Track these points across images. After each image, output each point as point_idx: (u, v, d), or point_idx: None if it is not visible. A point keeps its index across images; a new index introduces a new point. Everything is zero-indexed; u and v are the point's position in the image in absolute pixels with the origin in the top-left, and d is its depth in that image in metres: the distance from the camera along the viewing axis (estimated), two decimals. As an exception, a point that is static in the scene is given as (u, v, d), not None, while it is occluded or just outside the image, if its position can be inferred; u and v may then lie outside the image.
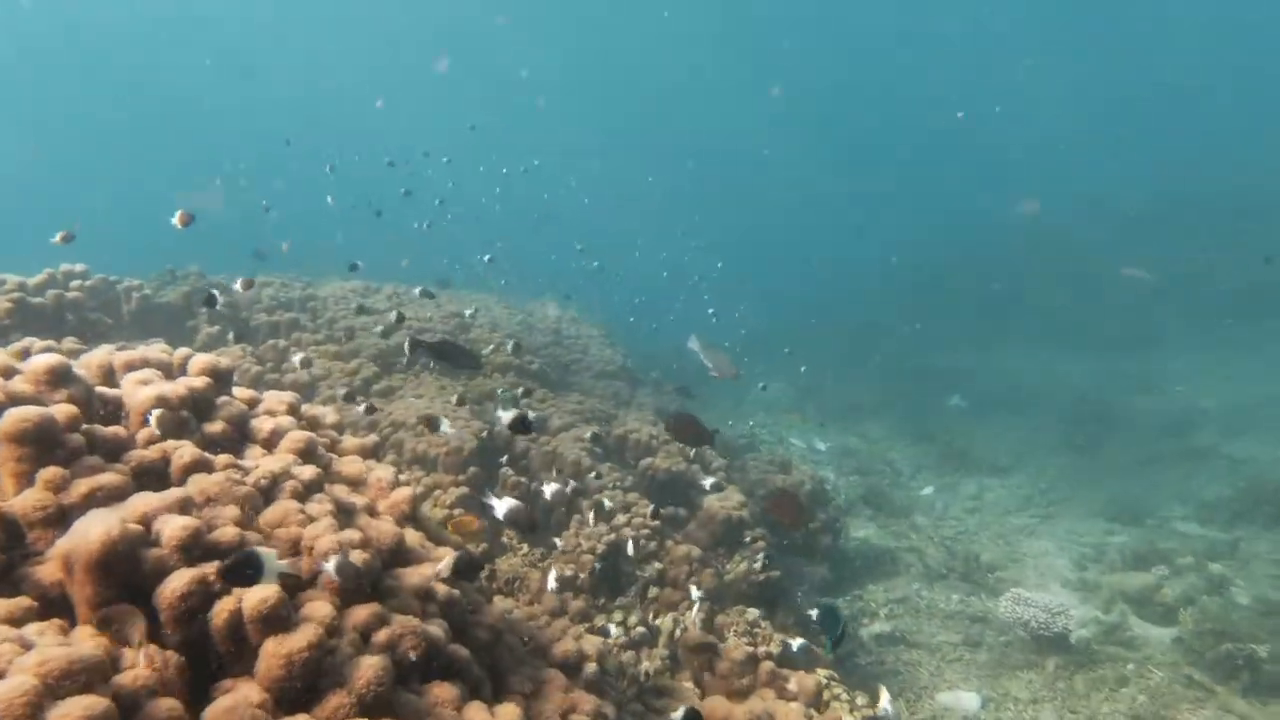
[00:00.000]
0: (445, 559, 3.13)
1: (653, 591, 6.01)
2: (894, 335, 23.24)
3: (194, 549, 2.34)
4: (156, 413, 2.92)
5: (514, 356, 9.30)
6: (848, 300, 27.60)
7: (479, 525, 5.08)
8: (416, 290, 11.53)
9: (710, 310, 12.96)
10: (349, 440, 3.94)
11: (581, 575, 5.77)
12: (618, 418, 9.49)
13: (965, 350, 21.52)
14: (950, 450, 14.44)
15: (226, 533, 2.48)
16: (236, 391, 3.52)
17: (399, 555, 3.07)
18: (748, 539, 6.66)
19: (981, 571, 9.42)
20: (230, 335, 8.11)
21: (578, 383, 11.45)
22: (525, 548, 6.00)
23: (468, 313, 9.94)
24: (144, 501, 2.44)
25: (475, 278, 15.96)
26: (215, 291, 6.90)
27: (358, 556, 2.67)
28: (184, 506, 2.49)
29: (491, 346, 9.28)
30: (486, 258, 11.98)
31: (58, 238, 6.59)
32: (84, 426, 2.68)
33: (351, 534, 2.77)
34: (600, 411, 9.11)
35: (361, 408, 6.20)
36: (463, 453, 6.34)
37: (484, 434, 6.70)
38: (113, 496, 2.46)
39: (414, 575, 2.99)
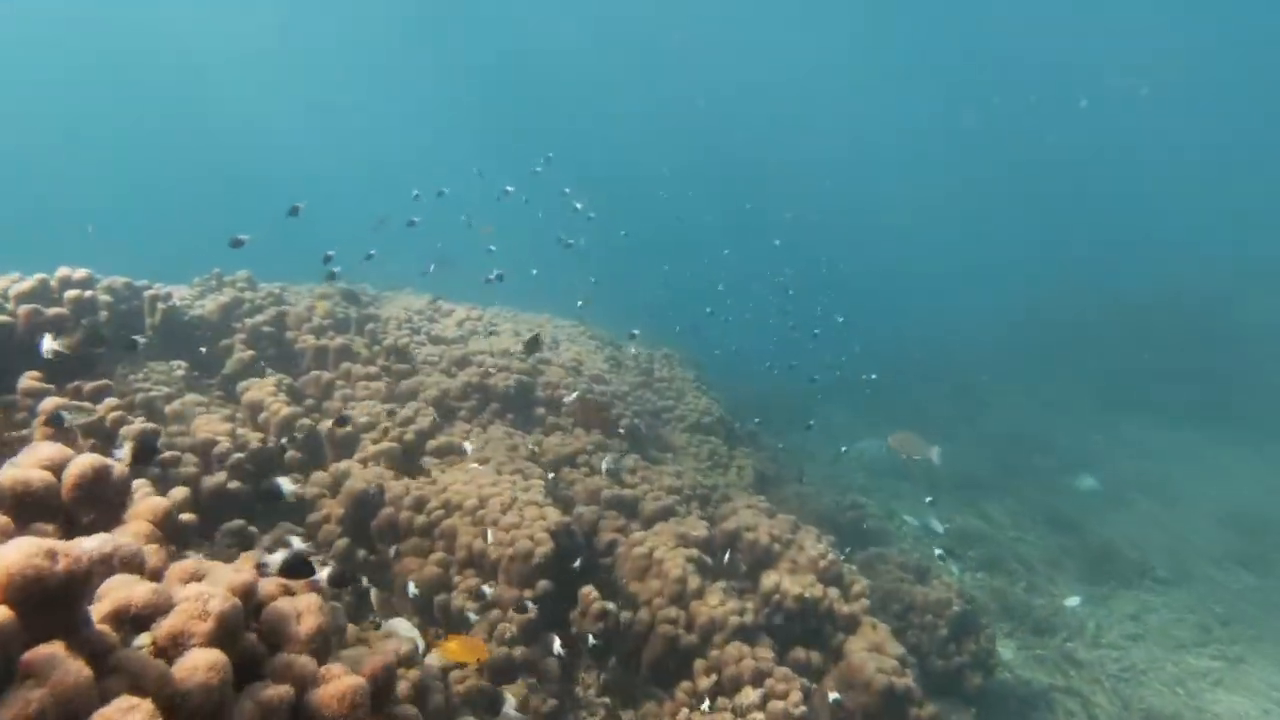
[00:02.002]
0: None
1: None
2: (1004, 395, 20.86)
3: None
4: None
5: (603, 412, 7.68)
6: (954, 351, 25.11)
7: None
8: (492, 313, 10.09)
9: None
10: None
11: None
12: (722, 493, 7.78)
13: (1089, 420, 19.03)
14: (1091, 546, 12.21)
15: None
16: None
17: None
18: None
19: (1169, 736, 7.33)
20: (264, 366, 6.72)
21: (669, 437, 9.78)
22: None
23: (546, 352, 8.40)
24: None
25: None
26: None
27: None
28: None
29: (573, 396, 7.68)
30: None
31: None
32: None
33: None
34: (702, 488, 7.40)
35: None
36: (532, 559, 4.70)
37: (563, 528, 5.06)
38: None
39: None
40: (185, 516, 3.31)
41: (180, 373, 6.40)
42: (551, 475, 6.41)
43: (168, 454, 3.87)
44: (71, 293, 5.31)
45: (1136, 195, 39.40)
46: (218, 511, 4.62)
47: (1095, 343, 23.00)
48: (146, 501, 2.50)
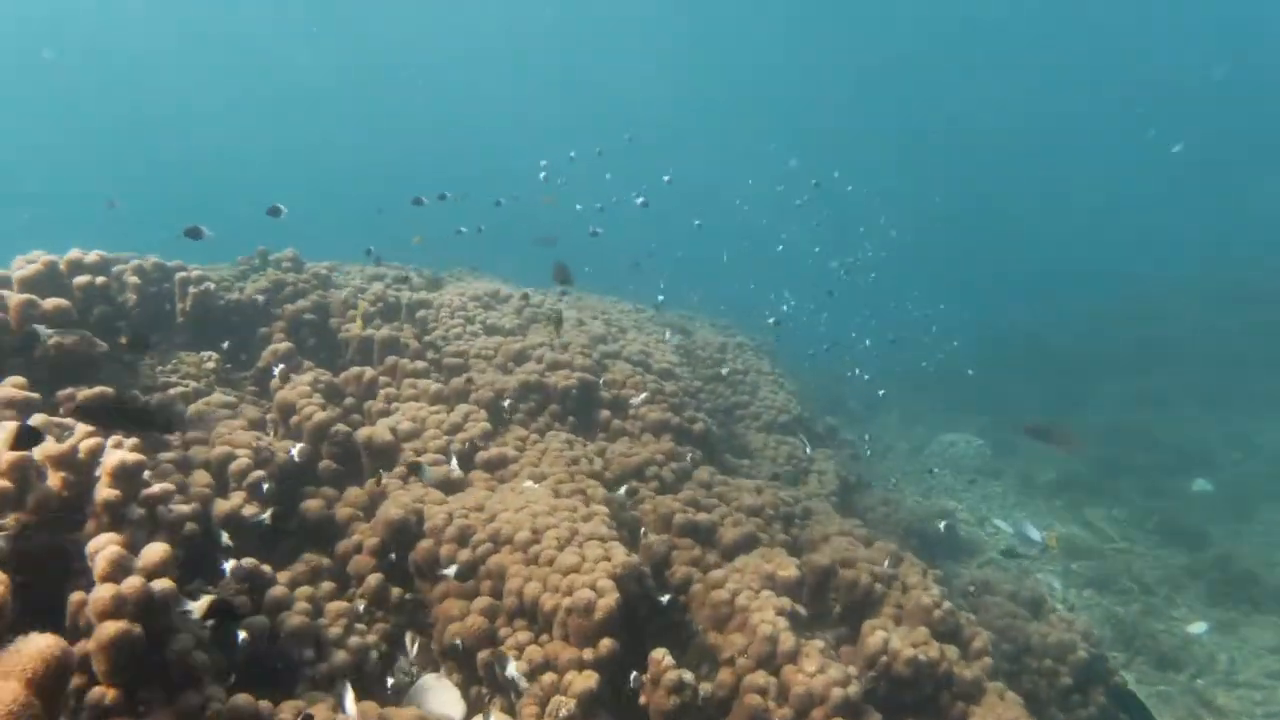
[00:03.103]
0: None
1: None
2: (1101, 387, 19.23)
3: None
4: None
5: (673, 415, 6.83)
6: (1047, 342, 23.22)
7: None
8: (552, 298, 9.32)
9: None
10: None
11: None
12: (804, 506, 6.89)
13: (1196, 416, 17.34)
14: (1216, 562, 10.89)
15: None
16: None
17: None
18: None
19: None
20: (302, 360, 6.06)
21: (744, 438, 8.90)
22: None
23: (612, 344, 7.57)
24: None
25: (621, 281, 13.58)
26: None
27: None
28: None
29: (641, 398, 6.84)
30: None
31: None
32: None
33: None
34: (786, 505, 6.52)
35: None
36: (594, 613, 3.91)
37: (631, 572, 4.25)
38: None
39: None
40: (160, 584, 2.60)
41: (211, 365, 5.79)
42: (619, 491, 5.63)
43: (156, 488, 3.17)
44: (81, 279, 4.68)
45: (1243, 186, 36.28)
46: (236, 540, 3.97)
47: (1204, 333, 21.04)
48: (32, 646, 1.76)
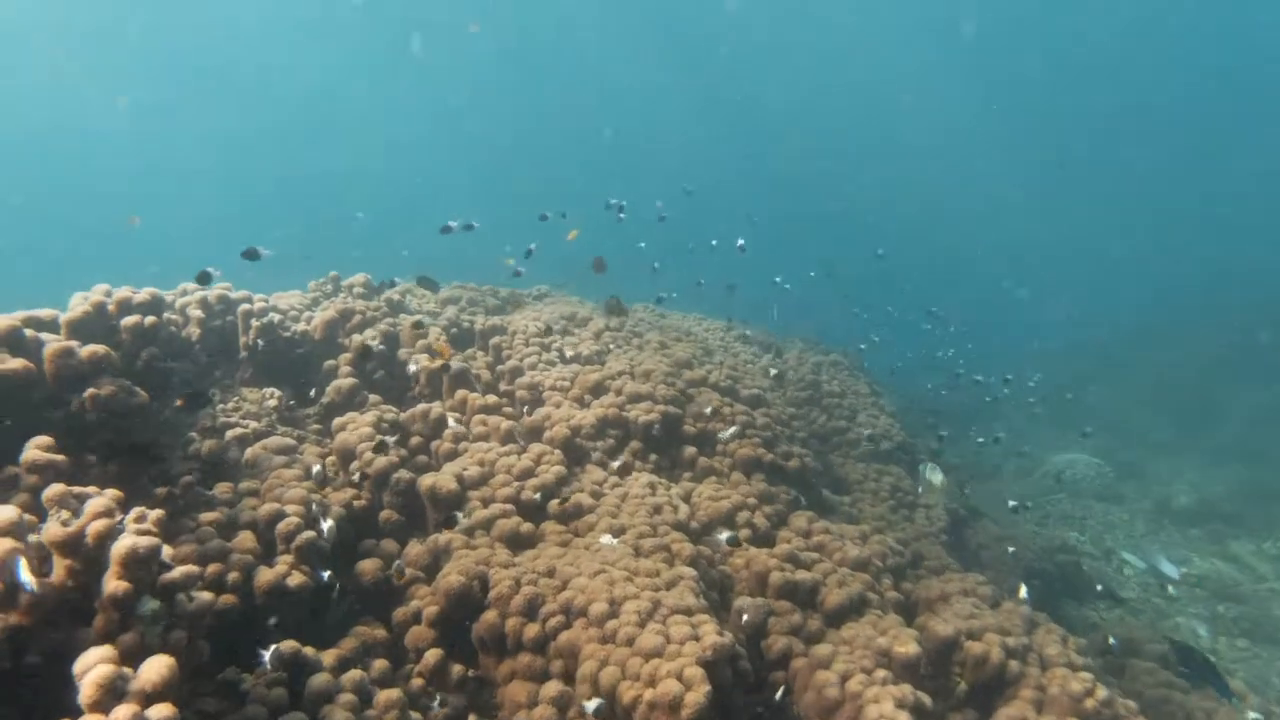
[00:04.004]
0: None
1: None
2: (1243, 401, 17.35)
3: None
4: None
5: (765, 451, 6.18)
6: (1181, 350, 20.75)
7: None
8: (633, 321, 8.80)
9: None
10: None
11: None
12: (915, 550, 6.16)
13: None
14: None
15: None
16: None
17: None
18: None
19: None
20: (367, 394, 5.70)
21: (842, 469, 8.16)
22: None
23: (700, 368, 6.97)
24: None
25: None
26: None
27: None
28: None
29: (730, 431, 6.22)
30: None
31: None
32: None
33: None
34: (895, 555, 5.79)
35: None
36: (681, 710, 3.32)
37: (723, 654, 3.64)
38: None
39: None
40: (158, 713, 2.15)
41: (273, 402, 5.49)
42: (720, 536, 5.04)
43: (176, 573, 2.75)
44: (129, 319, 4.39)
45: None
46: (275, 613, 3.56)
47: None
48: None
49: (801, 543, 5.39)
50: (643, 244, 11.00)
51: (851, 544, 5.47)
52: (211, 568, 3.37)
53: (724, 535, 5.01)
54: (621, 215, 8.71)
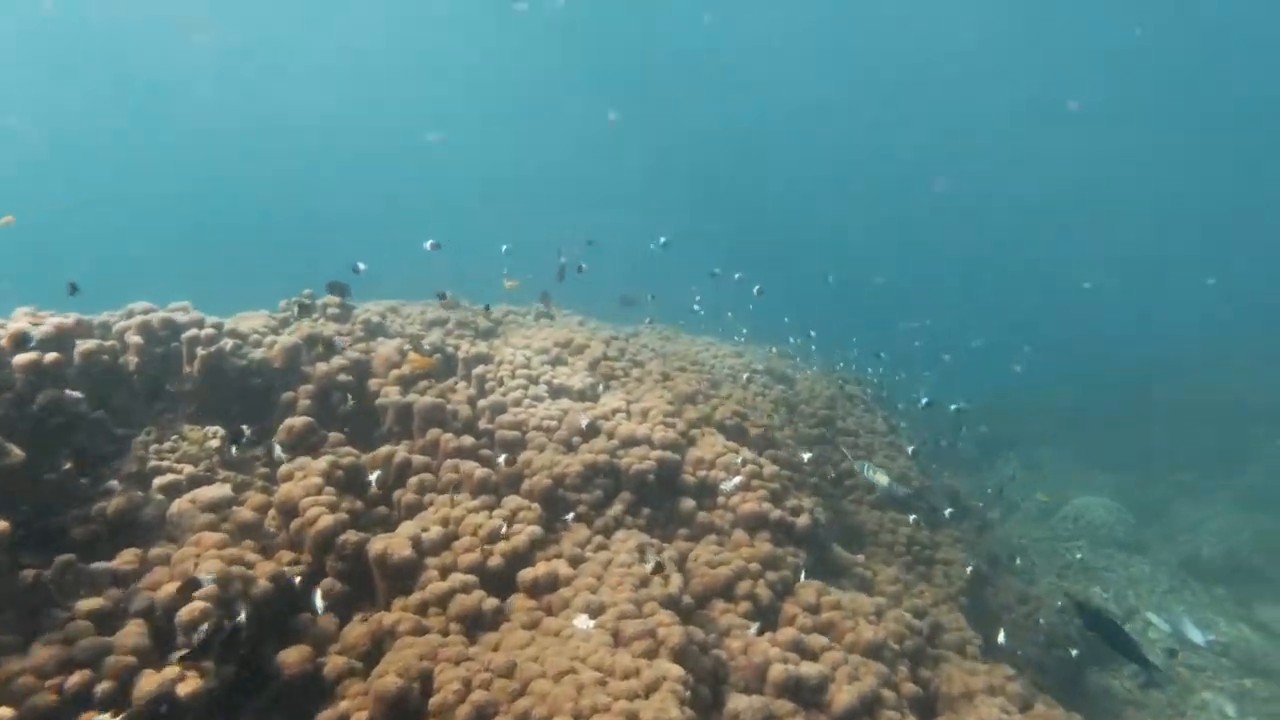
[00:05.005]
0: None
1: None
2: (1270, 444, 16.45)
3: None
4: None
5: (772, 506, 5.50)
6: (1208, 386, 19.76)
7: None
8: (635, 346, 8.16)
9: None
10: None
11: None
12: (937, 624, 5.48)
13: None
14: None
15: None
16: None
17: None
18: None
19: None
20: (326, 434, 5.05)
21: (854, 515, 7.48)
22: None
23: (703, 404, 6.29)
24: None
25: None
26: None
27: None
28: None
29: (734, 483, 5.54)
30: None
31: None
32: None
33: None
34: (912, 634, 5.10)
35: None
36: None
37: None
38: None
39: None
40: None
41: (215, 443, 4.86)
42: (696, 616, 4.37)
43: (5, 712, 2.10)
44: (23, 358, 3.75)
45: None
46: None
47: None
48: None
49: (809, 621, 4.72)
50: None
51: (865, 623, 4.78)
52: (75, 678, 2.73)
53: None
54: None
